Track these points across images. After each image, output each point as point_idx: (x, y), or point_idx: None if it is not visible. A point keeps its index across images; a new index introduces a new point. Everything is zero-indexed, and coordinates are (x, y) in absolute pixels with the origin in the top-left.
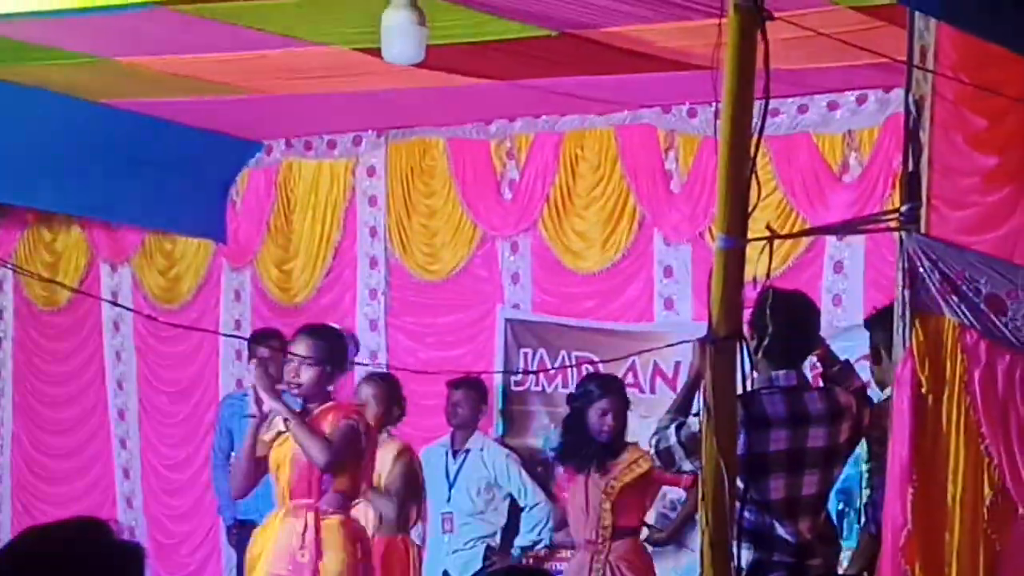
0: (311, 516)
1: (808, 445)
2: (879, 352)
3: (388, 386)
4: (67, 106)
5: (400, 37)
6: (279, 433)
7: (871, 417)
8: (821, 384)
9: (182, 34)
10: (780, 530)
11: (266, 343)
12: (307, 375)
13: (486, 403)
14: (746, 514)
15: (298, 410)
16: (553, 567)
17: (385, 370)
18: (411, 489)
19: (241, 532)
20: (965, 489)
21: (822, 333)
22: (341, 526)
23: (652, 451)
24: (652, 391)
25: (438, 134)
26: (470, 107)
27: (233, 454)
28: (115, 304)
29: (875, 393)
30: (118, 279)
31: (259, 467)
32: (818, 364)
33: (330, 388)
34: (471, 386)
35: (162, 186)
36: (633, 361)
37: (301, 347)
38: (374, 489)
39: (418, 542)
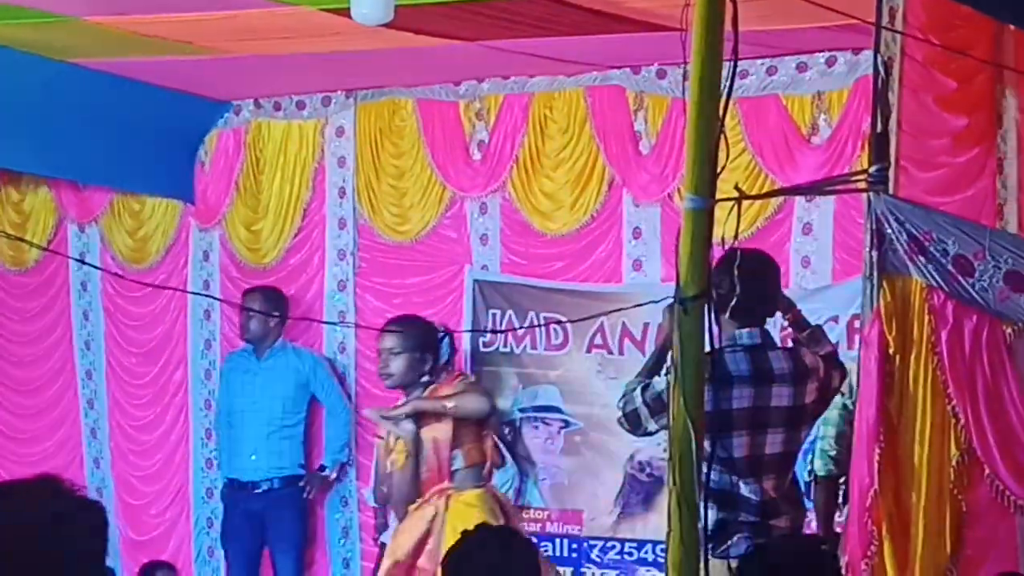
0: (441, 501)
1: (772, 404)
2: None
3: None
4: (34, 65)
5: None
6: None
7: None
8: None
9: None
10: (744, 489)
11: (249, 296)
12: (396, 365)
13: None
14: (712, 474)
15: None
16: (520, 528)
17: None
18: None
19: (228, 490)
20: (932, 449)
21: (791, 296)
22: (478, 499)
23: (620, 414)
24: (621, 352)
25: (407, 95)
26: (439, 68)
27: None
28: (84, 263)
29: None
30: (86, 239)
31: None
32: (789, 328)
33: (425, 379)
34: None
35: (130, 146)
36: (601, 322)
37: (388, 340)
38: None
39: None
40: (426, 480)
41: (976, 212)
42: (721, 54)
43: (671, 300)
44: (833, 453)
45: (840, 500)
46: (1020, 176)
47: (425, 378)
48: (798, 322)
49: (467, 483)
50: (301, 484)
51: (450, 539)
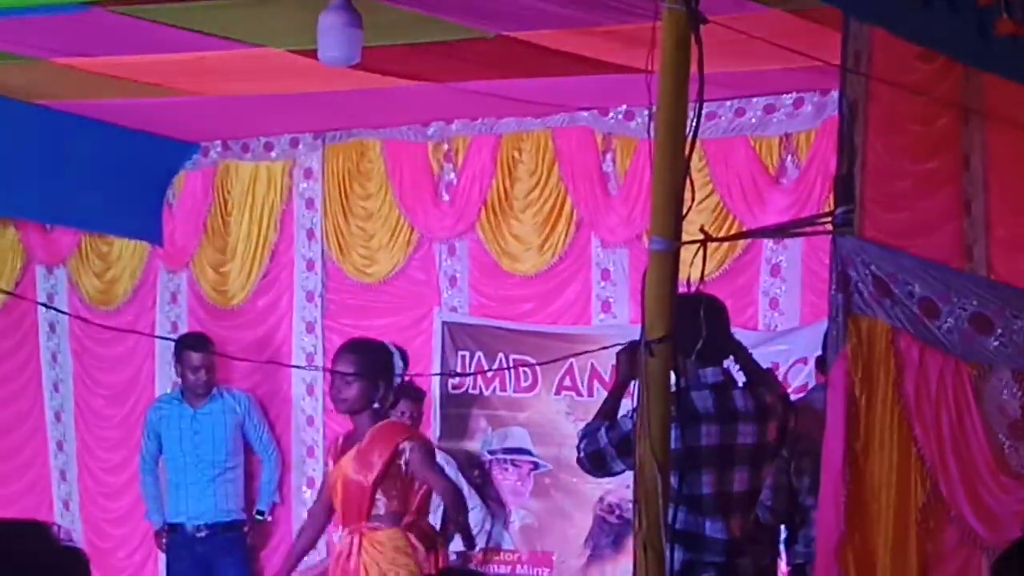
0: (356, 536)
1: (738, 441)
2: None
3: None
4: (2, 107)
5: (336, 39)
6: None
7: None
8: None
9: (118, 35)
10: (709, 528)
11: (195, 347)
12: (351, 391)
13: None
14: (678, 515)
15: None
16: (490, 570)
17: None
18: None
19: (171, 536)
20: (898, 492)
21: (761, 337)
22: (389, 540)
23: (581, 455)
24: (590, 394)
25: (375, 136)
26: (407, 109)
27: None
28: (48, 307)
29: None
30: (54, 281)
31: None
32: (740, 371)
33: (376, 405)
34: (416, 395)
35: (98, 188)
36: (571, 364)
37: (343, 364)
38: None
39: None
40: (345, 508)
41: (945, 255)
42: (687, 96)
43: (624, 344)
44: (769, 503)
45: (780, 549)
46: (988, 217)
47: (376, 404)
48: (749, 364)
49: (383, 523)
50: (244, 529)
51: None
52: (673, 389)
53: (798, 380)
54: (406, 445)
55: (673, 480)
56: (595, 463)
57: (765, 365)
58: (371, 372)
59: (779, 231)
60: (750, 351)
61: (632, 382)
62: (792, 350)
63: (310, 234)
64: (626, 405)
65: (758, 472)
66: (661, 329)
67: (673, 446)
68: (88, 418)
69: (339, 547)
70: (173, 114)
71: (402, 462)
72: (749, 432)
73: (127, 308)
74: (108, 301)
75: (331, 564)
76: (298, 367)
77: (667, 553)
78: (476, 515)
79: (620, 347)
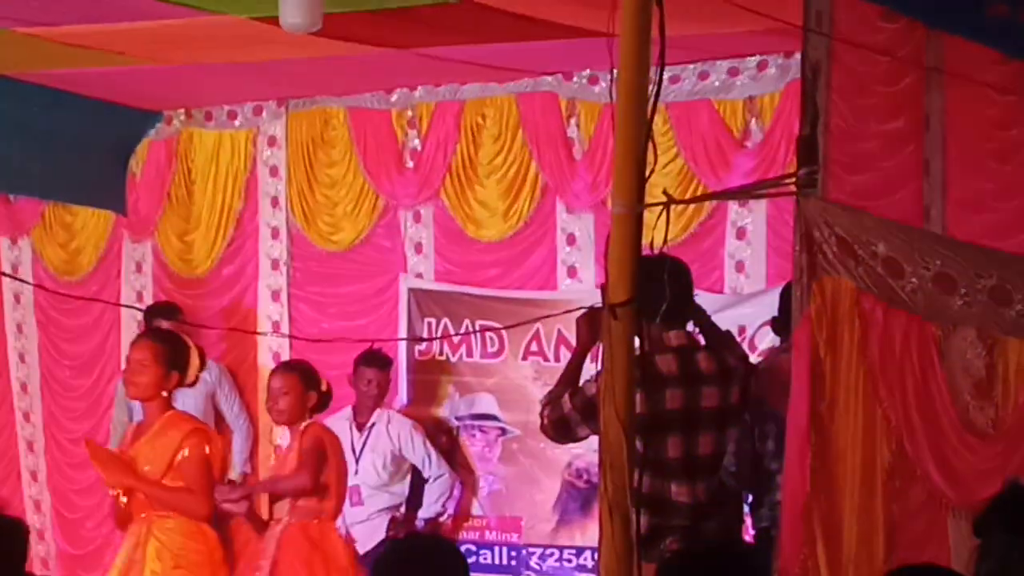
0: (145, 527)
1: (703, 405)
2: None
3: (300, 374)
4: None
5: (296, 5)
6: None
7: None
8: None
9: (80, 4)
10: (675, 492)
11: (162, 315)
12: (143, 377)
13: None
14: (643, 479)
15: (134, 423)
16: (460, 536)
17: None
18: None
19: None
20: (863, 453)
21: (726, 301)
22: (178, 527)
23: (545, 422)
24: (557, 359)
25: (339, 103)
26: (370, 76)
27: None
28: (12, 277)
29: None
30: (18, 252)
31: None
32: (699, 334)
33: (165, 393)
34: (383, 363)
35: (61, 158)
36: (537, 329)
37: (137, 350)
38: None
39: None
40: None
41: (905, 215)
42: (648, 59)
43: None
44: (733, 469)
45: (745, 513)
46: (945, 178)
47: (165, 392)
48: (708, 328)
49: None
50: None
51: (152, 563)
52: (636, 352)
53: (764, 343)
54: (184, 452)
55: (638, 444)
56: (559, 430)
57: (732, 329)
58: (171, 359)
59: (744, 192)
60: (711, 314)
61: (593, 347)
62: (758, 313)
63: (275, 202)
64: (589, 370)
65: (722, 435)
66: (624, 292)
67: (637, 410)
68: (54, 389)
69: (130, 537)
70: (135, 83)
71: (179, 458)
72: (713, 395)
73: (92, 278)
74: (73, 271)
75: (121, 554)
76: (262, 334)
77: (633, 517)
78: (443, 482)
79: (581, 311)
